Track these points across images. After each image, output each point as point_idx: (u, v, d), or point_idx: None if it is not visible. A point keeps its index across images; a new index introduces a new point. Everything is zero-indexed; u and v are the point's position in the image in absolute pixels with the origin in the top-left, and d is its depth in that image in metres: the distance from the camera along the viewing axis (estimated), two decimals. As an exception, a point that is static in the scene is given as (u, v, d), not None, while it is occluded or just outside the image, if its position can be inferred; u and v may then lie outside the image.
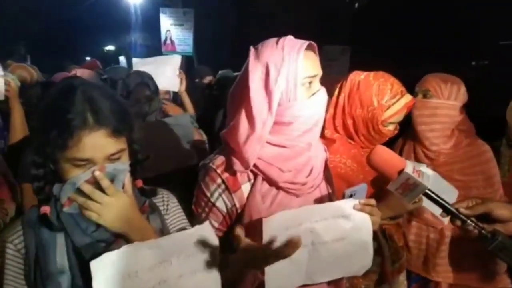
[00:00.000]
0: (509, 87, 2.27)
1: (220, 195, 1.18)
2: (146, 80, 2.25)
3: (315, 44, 1.17)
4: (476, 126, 2.07)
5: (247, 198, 1.18)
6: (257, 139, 1.12)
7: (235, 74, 3.46)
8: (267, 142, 1.17)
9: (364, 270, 1.17)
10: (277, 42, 1.14)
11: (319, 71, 1.17)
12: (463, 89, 1.91)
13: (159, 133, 2.18)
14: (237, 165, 1.16)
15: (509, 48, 9.62)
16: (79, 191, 0.96)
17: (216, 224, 1.20)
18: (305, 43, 1.13)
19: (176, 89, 2.90)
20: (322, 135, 1.63)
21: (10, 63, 3.72)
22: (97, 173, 0.95)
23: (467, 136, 1.95)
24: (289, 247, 0.96)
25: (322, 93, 1.17)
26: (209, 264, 1.02)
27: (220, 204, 1.19)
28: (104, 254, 0.88)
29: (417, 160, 1.92)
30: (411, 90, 1.95)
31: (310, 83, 1.14)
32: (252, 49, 1.17)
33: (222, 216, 1.21)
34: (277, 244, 0.99)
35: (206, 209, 1.21)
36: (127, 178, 1.03)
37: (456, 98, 1.88)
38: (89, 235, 0.99)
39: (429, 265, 1.87)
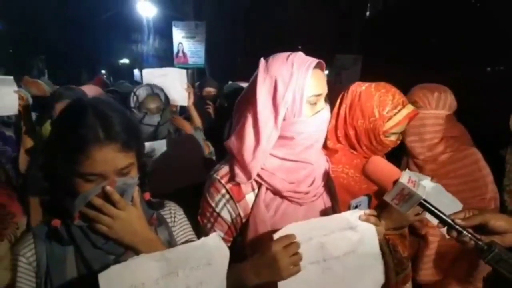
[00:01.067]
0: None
1: (224, 205, 1.20)
2: (157, 91, 2.28)
3: (323, 63, 1.18)
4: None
5: (252, 207, 1.19)
6: (262, 152, 1.14)
7: (242, 85, 3.51)
8: (271, 155, 1.19)
9: (380, 283, 1.14)
10: (287, 58, 1.15)
11: (324, 90, 1.18)
12: (450, 97, 1.94)
13: (176, 151, 2.18)
14: (240, 176, 1.18)
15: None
16: (90, 205, 0.99)
17: (221, 234, 1.22)
18: (315, 61, 1.15)
19: (185, 104, 2.92)
20: (325, 146, 1.64)
21: (26, 78, 3.84)
22: (107, 187, 0.97)
23: (457, 142, 1.95)
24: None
25: (326, 112, 1.19)
26: (216, 276, 1.03)
27: (225, 214, 1.20)
28: (112, 267, 0.89)
29: (409, 168, 1.94)
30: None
31: (315, 101, 1.16)
32: (262, 61, 1.18)
33: (227, 226, 1.22)
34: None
35: (212, 219, 1.22)
36: (135, 192, 1.06)
37: (444, 106, 1.92)
38: (99, 247, 1.01)
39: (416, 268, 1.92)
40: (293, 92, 1.11)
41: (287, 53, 1.17)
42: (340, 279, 1.08)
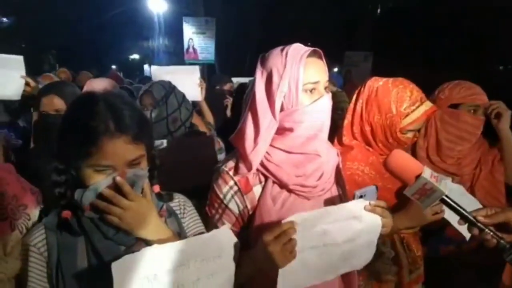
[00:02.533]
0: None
1: (232, 196, 1.20)
2: (150, 88, 2.16)
3: (320, 51, 1.18)
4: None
5: (258, 200, 1.19)
6: (262, 142, 1.15)
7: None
8: (276, 147, 1.19)
9: (364, 264, 1.19)
10: (282, 50, 1.16)
11: (322, 78, 1.16)
12: None
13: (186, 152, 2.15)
14: (241, 167, 1.19)
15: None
16: (100, 197, 0.99)
17: (229, 225, 1.21)
18: (309, 49, 1.15)
19: (199, 99, 2.90)
20: (340, 142, 1.63)
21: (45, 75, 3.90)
22: (118, 178, 0.97)
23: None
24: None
25: (326, 99, 1.16)
26: (226, 267, 1.03)
27: (232, 205, 1.20)
28: (125, 256, 0.89)
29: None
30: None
31: (312, 89, 1.15)
32: (260, 56, 1.20)
33: (234, 218, 1.22)
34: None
35: (220, 211, 1.22)
36: (146, 184, 1.06)
37: None
38: (109, 238, 1.01)
39: None
40: (288, 81, 1.12)
41: (283, 46, 1.17)
42: (334, 261, 1.11)
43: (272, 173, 1.17)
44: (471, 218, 1.03)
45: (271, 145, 1.19)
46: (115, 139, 0.97)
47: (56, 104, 1.95)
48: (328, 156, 1.24)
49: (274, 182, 1.18)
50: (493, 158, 1.92)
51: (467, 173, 1.90)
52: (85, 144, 0.96)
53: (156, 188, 1.16)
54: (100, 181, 0.98)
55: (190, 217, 1.21)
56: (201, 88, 2.84)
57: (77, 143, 0.97)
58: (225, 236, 1.03)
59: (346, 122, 1.63)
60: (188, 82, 2.73)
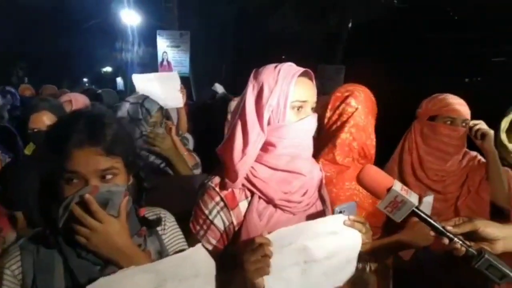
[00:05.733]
0: (501, 103, 2.30)
1: (218, 212, 1.21)
2: (160, 106, 2.22)
3: (311, 73, 1.23)
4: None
5: (244, 215, 1.20)
6: (249, 153, 1.17)
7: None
8: (262, 164, 1.21)
9: (346, 280, 1.19)
10: (275, 66, 1.21)
11: (311, 98, 1.21)
12: None
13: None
14: (228, 180, 1.20)
15: (500, 65, 9.82)
16: (70, 214, 0.96)
17: (214, 242, 1.22)
18: (301, 69, 1.20)
19: (181, 105, 2.91)
20: (335, 161, 1.64)
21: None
22: (87, 196, 0.96)
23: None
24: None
25: (312, 119, 1.21)
26: (204, 287, 1.02)
27: (218, 221, 1.21)
28: (100, 279, 0.88)
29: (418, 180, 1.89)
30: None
31: (300, 107, 1.19)
32: (254, 70, 1.25)
33: (219, 234, 1.22)
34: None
35: (204, 227, 1.22)
36: (123, 203, 1.03)
37: None
38: (84, 257, 1.00)
39: None
40: (277, 96, 1.16)
41: (277, 64, 1.22)
42: (316, 278, 1.11)
43: (259, 189, 1.19)
44: (441, 228, 1.07)
45: (256, 161, 1.20)
46: (85, 147, 0.97)
47: (46, 120, 1.94)
48: (312, 174, 1.29)
49: (260, 198, 1.20)
50: (480, 177, 1.90)
51: (451, 191, 1.88)
52: (56, 152, 0.97)
53: (142, 212, 1.14)
54: (70, 197, 0.96)
55: (171, 233, 1.20)
56: (182, 94, 2.84)
57: (50, 153, 0.98)
58: (200, 255, 1.02)
59: (340, 140, 1.64)
60: (169, 89, 2.73)
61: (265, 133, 1.18)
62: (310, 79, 1.23)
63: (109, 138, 1.01)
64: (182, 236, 1.23)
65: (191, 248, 1.03)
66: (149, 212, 1.18)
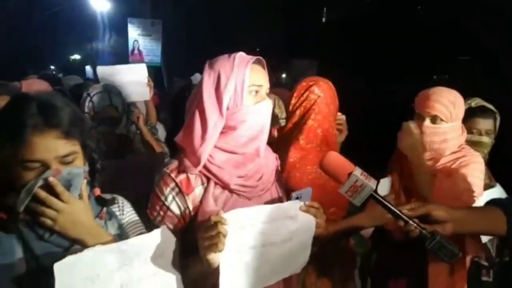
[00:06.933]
0: (465, 98, 2.37)
1: (174, 198, 1.23)
2: (116, 103, 2.19)
3: (263, 60, 1.29)
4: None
5: (201, 201, 1.23)
6: (209, 138, 1.21)
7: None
8: (218, 148, 1.24)
9: (302, 267, 1.24)
10: (229, 55, 1.27)
11: (265, 83, 1.28)
12: (463, 102, 1.78)
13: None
14: (188, 165, 1.23)
15: (467, 63, 10.24)
16: (34, 197, 0.96)
17: (171, 227, 1.24)
18: (254, 57, 1.26)
19: (147, 98, 2.88)
20: (299, 146, 1.72)
21: None
22: (51, 179, 0.96)
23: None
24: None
25: (267, 102, 1.28)
26: (169, 267, 1.05)
27: (174, 207, 1.24)
28: (67, 257, 0.89)
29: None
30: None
31: (256, 92, 1.25)
32: (207, 62, 1.29)
33: (176, 219, 1.25)
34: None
35: (161, 213, 1.25)
36: (83, 184, 1.04)
37: (462, 115, 1.78)
38: (46, 240, 0.99)
39: None
40: (234, 82, 1.22)
41: (230, 53, 1.28)
42: (274, 263, 1.15)
43: (214, 174, 1.23)
44: (397, 211, 1.13)
45: (214, 146, 1.23)
46: (44, 133, 0.96)
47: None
48: (267, 159, 1.34)
49: (216, 183, 1.24)
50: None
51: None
52: (13, 139, 0.94)
53: (97, 192, 1.14)
54: (33, 181, 0.95)
55: (129, 218, 1.22)
56: (149, 87, 2.82)
57: (5, 139, 0.95)
58: (164, 236, 1.05)
59: (306, 126, 1.71)
60: (136, 82, 2.70)
61: (224, 117, 1.22)
62: (263, 66, 1.30)
63: (66, 121, 1.00)
64: (140, 221, 1.25)
65: (155, 229, 1.04)
66: (104, 195, 1.19)
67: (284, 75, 12.29)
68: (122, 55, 8.82)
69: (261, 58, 1.29)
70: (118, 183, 1.32)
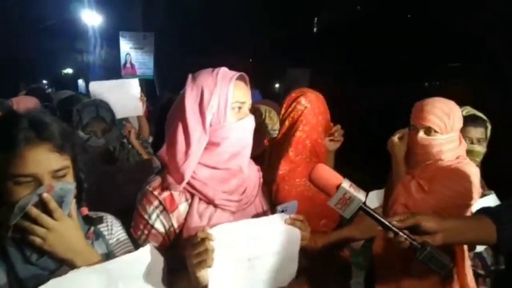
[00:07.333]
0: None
1: (158, 216, 1.22)
2: (103, 114, 2.23)
3: (246, 76, 1.29)
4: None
5: (185, 218, 1.22)
6: (193, 154, 1.20)
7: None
8: (202, 164, 1.23)
9: (290, 280, 1.23)
10: (212, 71, 1.26)
11: (248, 100, 1.28)
12: (459, 113, 1.76)
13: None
14: (172, 182, 1.22)
15: (457, 70, 10.36)
16: (24, 215, 0.93)
17: (156, 245, 1.22)
18: (237, 73, 1.26)
19: (140, 113, 2.88)
20: (288, 158, 1.72)
21: None
22: (45, 195, 0.94)
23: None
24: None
25: (250, 119, 1.28)
26: (156, 285, 1.03)
27: (158, 225, 1.23)
28: (51, 281, 0.86)
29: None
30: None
31: (239, 108, 1.25)
32: (190, 75, 1.28)
33: (161, 237, 1.24)
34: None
35: (146, 231, 1.23)
36: (73, 202, 1.02)
37: (459, 126, 1.75)
38: (32, 263, 0.97)
39: None
40: (218, 98, 1.21)
41: (213, 68, 1.28)
42: (261, 276, 1.15)
43: (198, 190, 1.22)
44: (387, 223, 1.13)
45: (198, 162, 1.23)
46: (36, 146, 0.95)
47: None
48: (250, 172, 1.34)
49: (200, 199, 1.23)
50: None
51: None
52: (5, 154, 0.93)
53: (84, 211, 1.12)
54: (26, 198, 0.93)
55: (118, 238, 1.20)
56: (142, 102, 2.82)
57: None
58: (149, 255, 1.03)
59: (294, 138, 1.72)
60: (129, 97, 2.70)
61: (207, 133, 1.21)
62: (245, 82, 1.29)
63: (58, 135, 1.00)
64: (129, 241, 1.22)
65: (141, 248, 1.03)
66: (92, 214, 1.17)
67: (277, 85, 12.34)
68: (114, 69, 8.83)
69: (244, 74, 1.29)
70: (110, 195, 1.31)
